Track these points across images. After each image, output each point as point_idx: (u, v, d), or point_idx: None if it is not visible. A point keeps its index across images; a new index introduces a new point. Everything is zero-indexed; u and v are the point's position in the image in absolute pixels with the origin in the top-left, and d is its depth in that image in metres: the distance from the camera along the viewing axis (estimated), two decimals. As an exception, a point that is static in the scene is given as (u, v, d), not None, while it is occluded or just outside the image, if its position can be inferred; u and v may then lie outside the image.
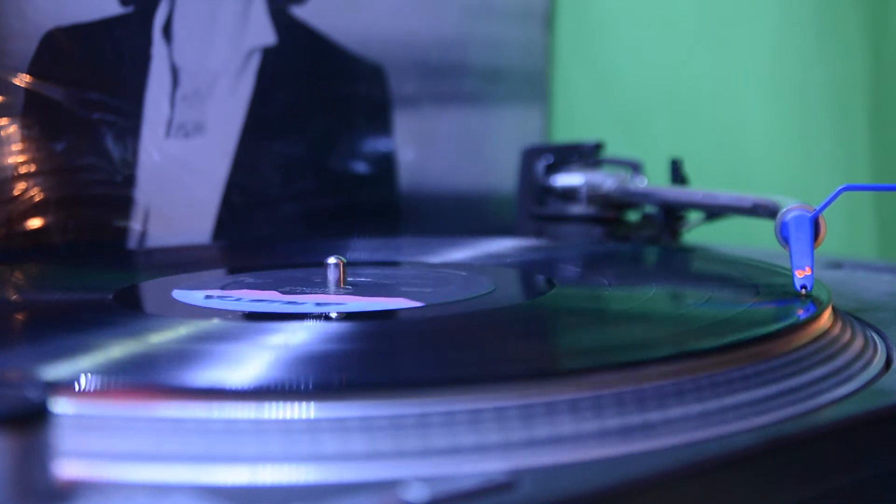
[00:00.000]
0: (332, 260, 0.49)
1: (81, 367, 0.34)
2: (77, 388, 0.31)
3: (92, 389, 0.31)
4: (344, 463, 0.29)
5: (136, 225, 0.68)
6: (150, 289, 0.51)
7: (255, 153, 0.72)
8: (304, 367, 0.35)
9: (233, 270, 0.59)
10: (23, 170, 0.63)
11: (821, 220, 0.45)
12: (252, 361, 0.35)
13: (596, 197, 0.72)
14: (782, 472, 0.32)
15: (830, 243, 0.48)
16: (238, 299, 0.46)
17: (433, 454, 0.30)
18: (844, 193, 0.43)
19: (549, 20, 0.88)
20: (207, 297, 0.47)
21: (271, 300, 0.46)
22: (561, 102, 0.90)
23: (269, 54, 0.73)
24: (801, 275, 0.43)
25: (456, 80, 0.83)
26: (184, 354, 0.36)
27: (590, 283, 0.51)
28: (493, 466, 0.29)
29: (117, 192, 0.67)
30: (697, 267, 0.58)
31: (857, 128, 0.80)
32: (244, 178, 0.72)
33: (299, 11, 0.74)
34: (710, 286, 0.48)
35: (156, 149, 0.68)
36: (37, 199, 0.63)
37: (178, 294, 0.47)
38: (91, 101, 0.65)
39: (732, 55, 0.84)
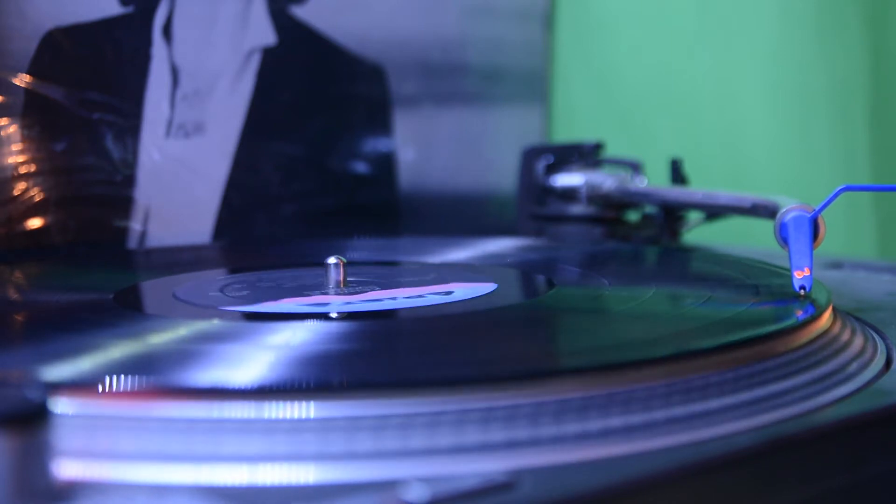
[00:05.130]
0: (332, 260, 0.49)
1: (81, 367, 0.34)
2: (100, 390, 0.31)
3: (92, 389, 0.31)
4: (344, 463, 0.29)
5: (136, 225, 0.68)
6: (150, 289, 0.51)
7: (255, 153, 0.72)
8: (304, 366, 0.35)
9: (233, 270, 0.59)
10: (23, 170, 0.63)
11: (820, 221, 0.45)
12: (252, 361, 0.35)
13: (596, 197, 0.72)
14: (782, 472, 0.32)
15: (830, 243, 0.48)
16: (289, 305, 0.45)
17: (433, 454, 0.30)
18: (844, 193, 0.43)
19: (549, 20, 0.88)
20: (264, 308, 0.45)
21: (360, 300, 0.45)
22: (561, 102, 0.90)
23: (269, 54, 0.73)
24: (799, 275, 0.43)
25: (456, 80, 0.83)
26: (183, 354, 0.36)
27: (590, 283, 0.51)
28: (493, 466, 0.29)
29: (117, 192, 0.67)
30: (697, 267, 0.58)
31: (857, 128, 0.80)
32: (244, 178, 0.72)
33: (299, 11, 0.74)
34: (710, 286, 0.48)
35: (156, 149, 0.68)
36: (37, 199, 0.63)
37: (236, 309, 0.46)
38: (91, 101, 0.65)
39: (732, 55, 0.84)
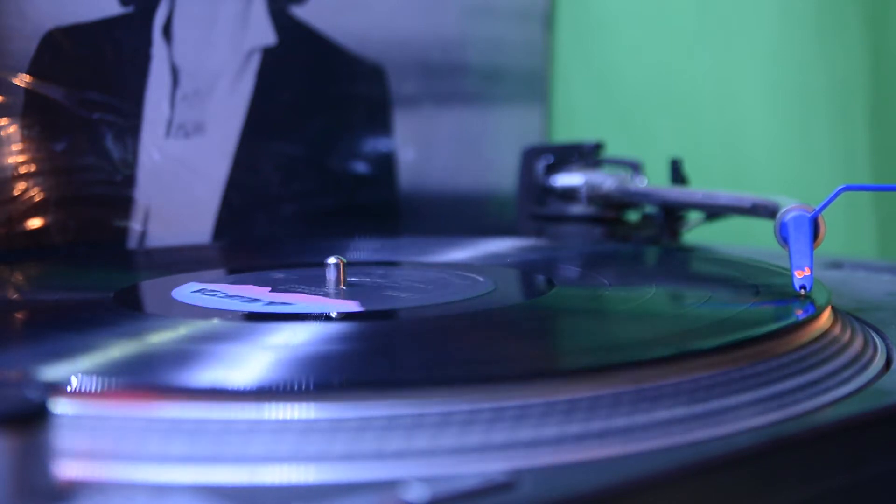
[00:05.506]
0: (332, 260, 0.49)
1: (81, 367, 0.34)
2: (70, 389, 0.31)
3: (91, 389, 0.31)
4: (344, 463, 0.29)
5: (136, 225, 0.68)
6: (149, 289, 0.51)
7: (255, 153, 0.72)
8: (304, 367, 0.35)
9: (233, 270, 0.59)
10: (23, 170, 0.63)
11: (820, 221, 0.45)
12: (252, 362, 0.35)
13: (596, 197, 0.72)
14: (782, 472, 0.32)
15: (830, 243, 0.48)
16: (213, 294, 0.46)
17: (433, 454, 0.30)
18: (844, 193, 0.43)
19: (549, 20, 0.88)
20: (194, 291, 0.47)
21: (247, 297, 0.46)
22: (561, 102, 0.90)
23: (269, 54, 0.73)
24: (800, 275, 0.43)
25: (456, 80, 0.83)
26: (183, 354, 0.36)
27: (590, 283, 0.51)
28: (493, 466, 0.29)
29: (117, 192, 0.67)
30: (697, 267, 0.58)
31: (857, 128, 0.80)
32: (244, 178, 0.72)
33: (299, 11, 0.74)
34: (710, 286, 0.48)
35: (156, 149, 0.68)
36: (37, 199, 0.63)
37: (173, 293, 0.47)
38: (91, 101, 0.65)
39: (732, 55, 0.84)
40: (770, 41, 0.82)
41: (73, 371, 0.33)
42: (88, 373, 0.32)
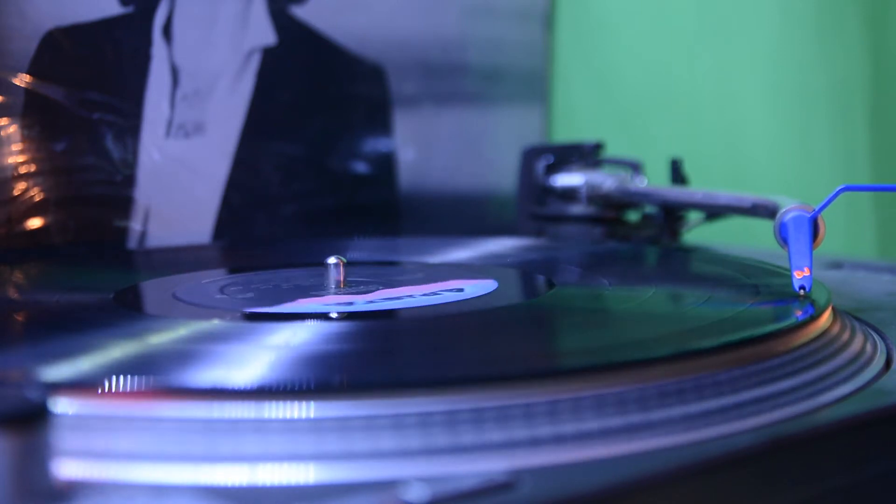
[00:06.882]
0: (332, 260, 0.49)
1: (81, 367, 0.34)
2: (99, 391, 0.31)
3: (92, 389, 0.31)
4: (344, 463, 0.29)
5: (136, 225, 0.68)
6: (150, 289, 0.51)
7: (255, 153, 0.72)
8: (305, 366, 0.35)
9: (233, 270, 0.59)
10: (23, 170, 0.63)
11: (820, 221, 0.45)
12: (252, 361, 0.35)
13: (596, 197, 0.72)
14: (782, 472, 0.32)
15: (830, 243, 0.48)
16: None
17: (433, 454, 0.30)
18: (844, 193, 0.43)
19: (549, 20, 0.88)
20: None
21: (381, 298, 0.46)
22: (561, 102, 0.90)
23: (269, 54, 0.73)
24: (799, 275, 0.43)
25: (456, 80, 0.83)
26: (184, 354, 0.36)
27: (590, 283, 0.51)
28: (493, 466, 0.29)
29: (117, 192, 0.67)
30: (697, 267, 0.58)
31: (857, 128, 0.80)
32: (244, 178, 0.72)
33: (299, 11, 0.74)
34: (710, 286, 0.48)
35: (156, 149, 0.68)
36: (37, 199, 0.63)
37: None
38: (91, 101, 0.65)
39: (733, 55, 0.84)
40: (770, 41, 0.82)
41: (74, 371, 0.33)
42: (88, 373, 0.32)
